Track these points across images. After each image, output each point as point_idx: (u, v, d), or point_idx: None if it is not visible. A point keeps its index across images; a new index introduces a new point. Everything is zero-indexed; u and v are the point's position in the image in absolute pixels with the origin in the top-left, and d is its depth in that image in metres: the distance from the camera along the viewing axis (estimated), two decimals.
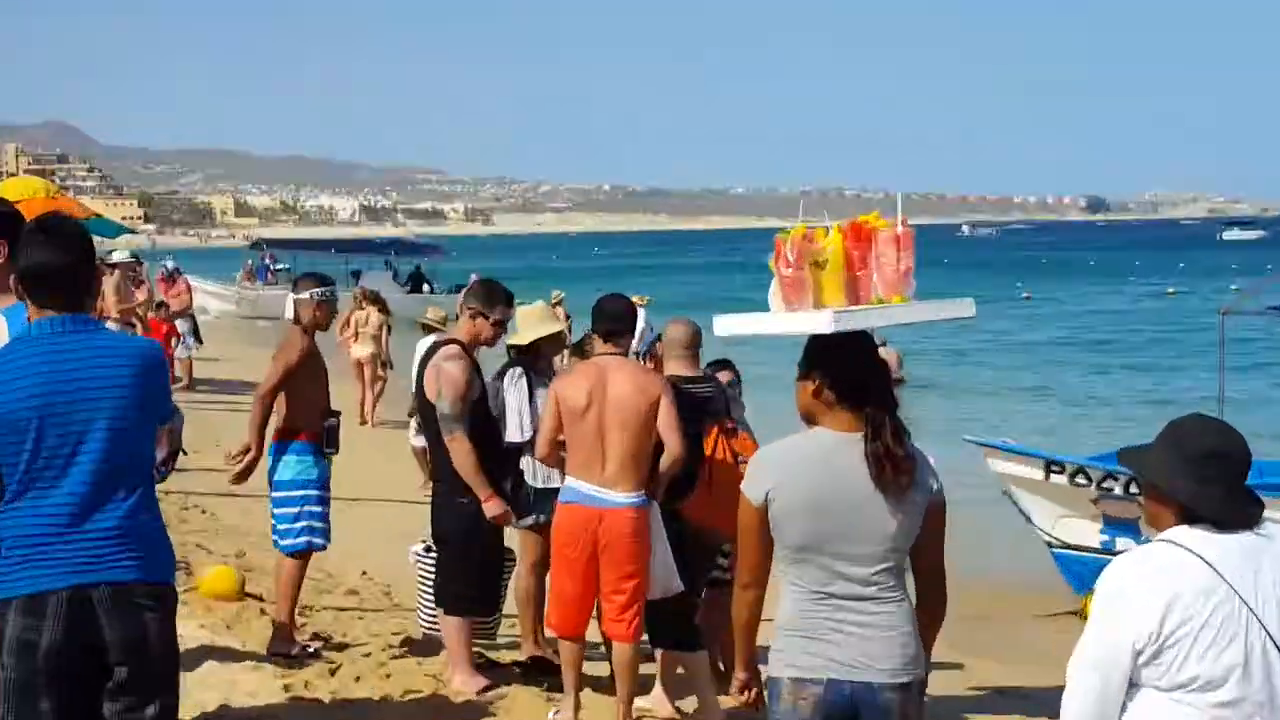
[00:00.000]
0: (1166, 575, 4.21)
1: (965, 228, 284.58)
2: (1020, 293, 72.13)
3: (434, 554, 9.11)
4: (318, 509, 9.37)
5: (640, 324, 22.28)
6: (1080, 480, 15.02)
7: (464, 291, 9.53)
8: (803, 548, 4.92)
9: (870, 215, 5.19)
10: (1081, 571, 14.56)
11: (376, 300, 25.34)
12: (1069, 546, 15.14)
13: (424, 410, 8.87)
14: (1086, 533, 15.06)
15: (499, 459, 8.93)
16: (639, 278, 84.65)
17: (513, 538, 9.39)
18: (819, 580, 4.93)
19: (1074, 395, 33.18)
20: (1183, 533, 4.28)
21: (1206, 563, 4.22)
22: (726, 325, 5.18)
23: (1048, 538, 15.28)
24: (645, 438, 8.03)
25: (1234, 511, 4.27)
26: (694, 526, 8.56)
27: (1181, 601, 4.19)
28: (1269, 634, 4.21)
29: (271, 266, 62.63)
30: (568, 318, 26.68)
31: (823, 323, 4.90)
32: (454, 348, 8.78)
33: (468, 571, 8.86)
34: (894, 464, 4.89)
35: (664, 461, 8.12)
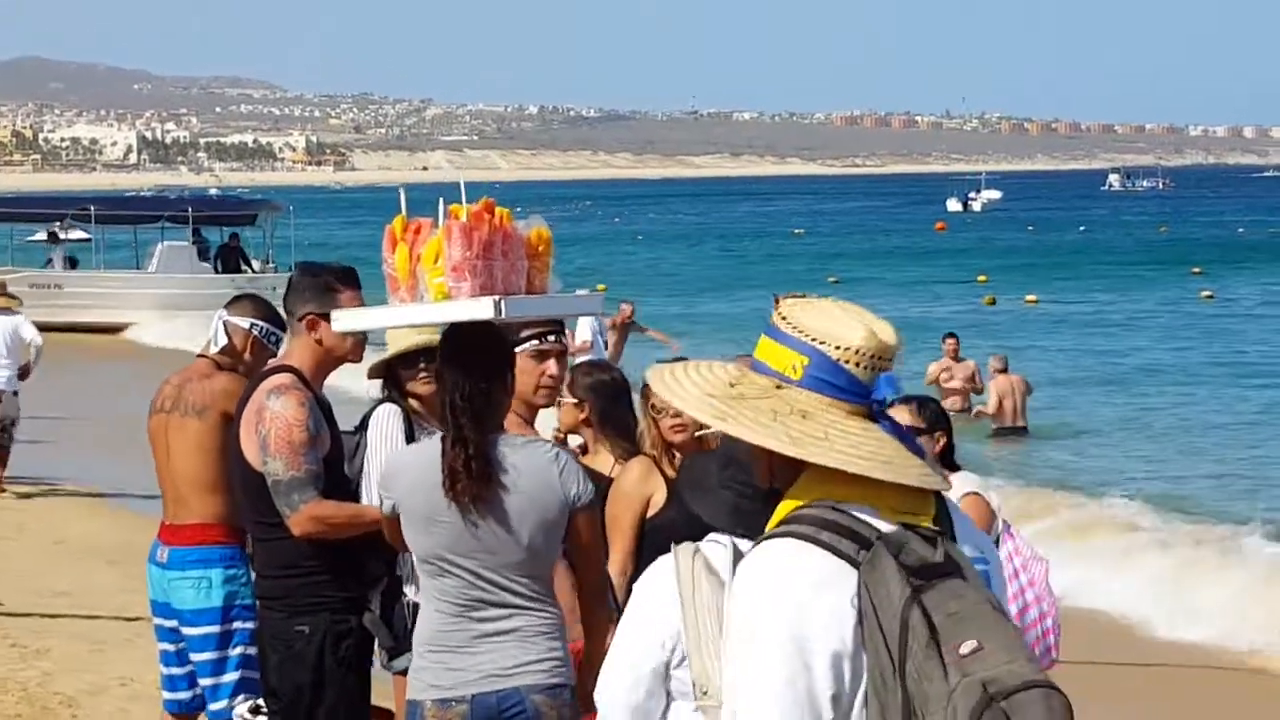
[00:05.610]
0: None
1: (1113, 178, 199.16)
2: (1197, 288, 50.32)
3: (265, 715, 6.95)
4: (255, 649, 7.06)
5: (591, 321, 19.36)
6: None
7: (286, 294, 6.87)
8: (431, 559, 5.17)
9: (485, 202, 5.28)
10: None
11: None
12: None
13: (243, 481, 6.44)
14: None
15: (362, 558, 6.55)
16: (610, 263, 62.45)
17: (385, 689, 6.93)
18: (454, 593, 5.16)
19: None
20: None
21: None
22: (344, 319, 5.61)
23: None
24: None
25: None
26: None
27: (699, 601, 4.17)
28: None
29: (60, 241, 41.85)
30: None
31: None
32: (285, 376, 6.48)
33: None
34: (468, 473, 5.07)
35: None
